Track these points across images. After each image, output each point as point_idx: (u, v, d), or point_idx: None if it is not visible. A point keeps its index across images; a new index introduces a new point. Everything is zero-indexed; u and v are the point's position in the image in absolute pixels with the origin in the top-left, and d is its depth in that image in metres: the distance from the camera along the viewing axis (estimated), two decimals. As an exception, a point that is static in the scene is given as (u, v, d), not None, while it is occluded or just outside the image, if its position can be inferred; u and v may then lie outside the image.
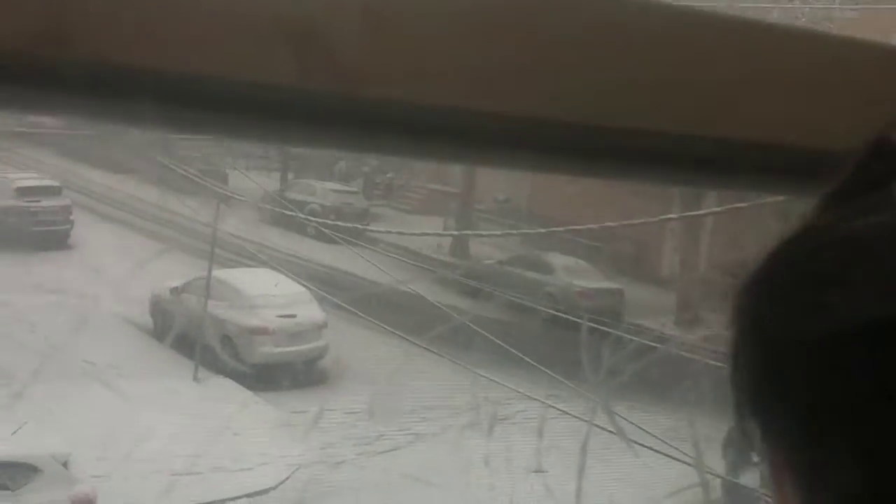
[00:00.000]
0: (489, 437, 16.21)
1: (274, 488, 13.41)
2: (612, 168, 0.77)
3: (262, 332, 17.19)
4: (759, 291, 0.57)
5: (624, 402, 8.78)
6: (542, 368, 7.34)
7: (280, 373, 17.20)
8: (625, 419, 6.40)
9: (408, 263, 21.69)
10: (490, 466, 14.66)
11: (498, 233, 16.45)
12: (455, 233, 22.43)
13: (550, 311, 19.46)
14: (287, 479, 13.70)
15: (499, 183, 34.21)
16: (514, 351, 7.45)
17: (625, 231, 26.44)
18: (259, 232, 25.97)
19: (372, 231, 25.27)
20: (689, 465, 6.08)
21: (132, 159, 14.20)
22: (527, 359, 7.15)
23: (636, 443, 6.24)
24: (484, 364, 8.79)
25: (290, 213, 19.33)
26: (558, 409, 7.67)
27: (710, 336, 20.39)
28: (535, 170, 0.82)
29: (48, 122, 37.73)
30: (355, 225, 27.07)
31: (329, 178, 36.11)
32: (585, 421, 7.22)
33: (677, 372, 10.00)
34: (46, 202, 24.04)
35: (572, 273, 23.85)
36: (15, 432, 10.50)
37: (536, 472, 14.64)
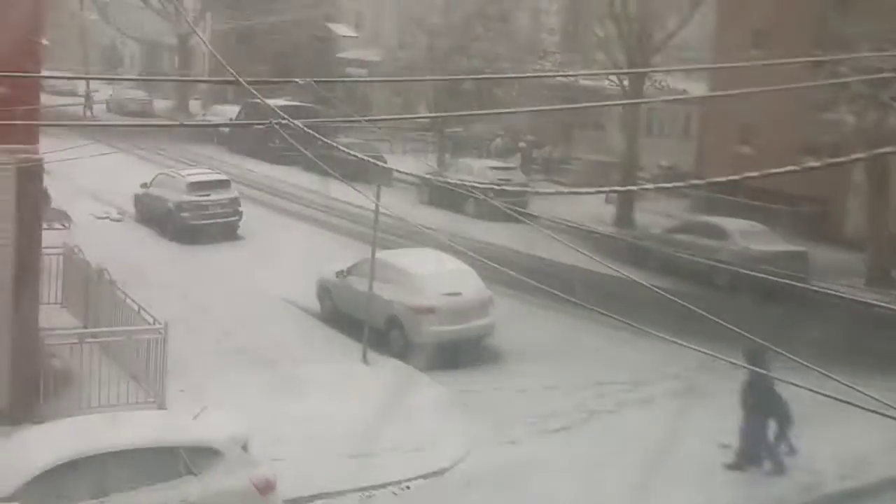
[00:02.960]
0: (668, 411, 15.48)
1: (449, 469, 13.17)
2: None
3: (427, 311, 17.01)
4: None
5: (833, 367, 7.93)
6: (736, 329, 6.66)
7: (448, 352, 16.99)
8: (842, 383, 5.68)
9: (571, 235, 21.05)
10: (671, 442, 13.94)
11: (672, 185, 15.44)
12: (621, 188, 21.40)
13: (728, 272, 18.32)
14: (461, 459, 13.44)
15: (662, 150, 33.07)
16: (702, 313, 6.78)
17: (806, 191, 24.89)
18: (419, 213, 25.97)
19: (536, 192, 24.46)
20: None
21: (293, 150, 14.31)
22: (720, 322, 6.49)
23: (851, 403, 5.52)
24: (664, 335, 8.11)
25: (454, 189, 18.93)
26: (760, 371, 6.95)
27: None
28: None
29: (214, 120, 39.25)
30: (520, 190, 26.50)
31: (486, 156, 35.85)
32: (797, 385, 6.49)
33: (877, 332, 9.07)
34: (216, 195, 24.82)
35: (749, 237, 22.54)
36: (196, 416, 10.62)
37: (722, 446, 13.81)
